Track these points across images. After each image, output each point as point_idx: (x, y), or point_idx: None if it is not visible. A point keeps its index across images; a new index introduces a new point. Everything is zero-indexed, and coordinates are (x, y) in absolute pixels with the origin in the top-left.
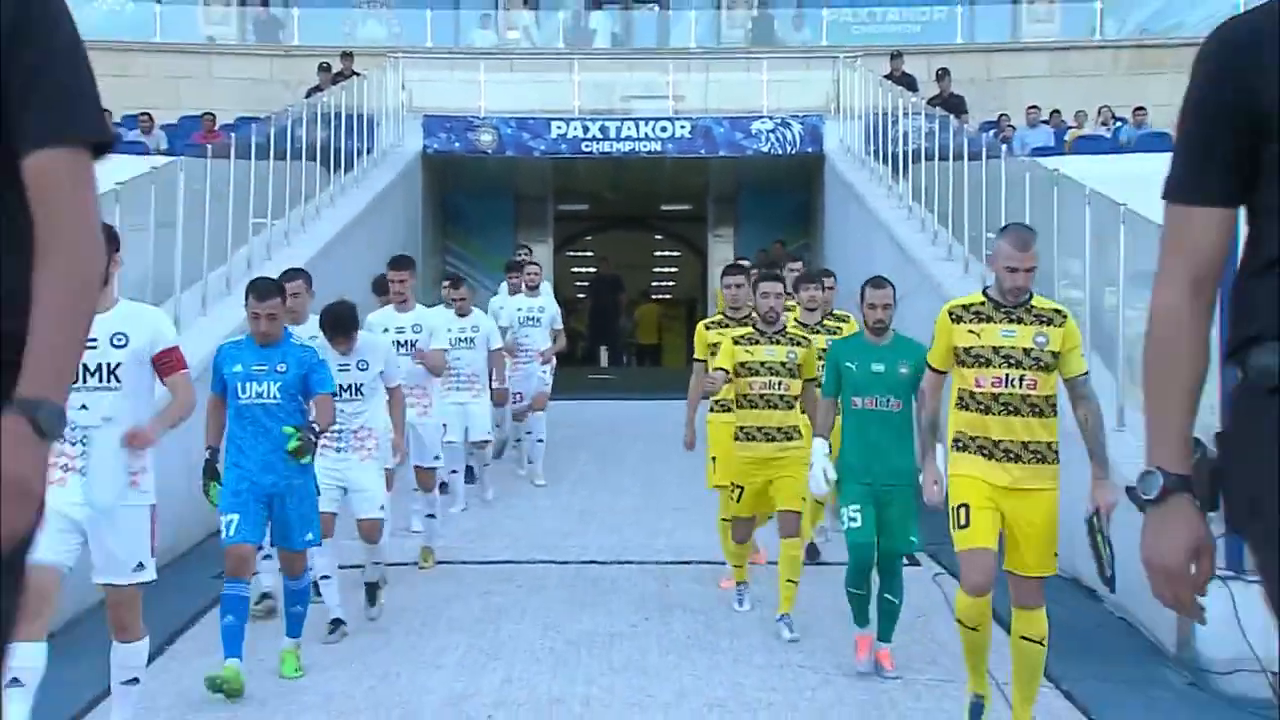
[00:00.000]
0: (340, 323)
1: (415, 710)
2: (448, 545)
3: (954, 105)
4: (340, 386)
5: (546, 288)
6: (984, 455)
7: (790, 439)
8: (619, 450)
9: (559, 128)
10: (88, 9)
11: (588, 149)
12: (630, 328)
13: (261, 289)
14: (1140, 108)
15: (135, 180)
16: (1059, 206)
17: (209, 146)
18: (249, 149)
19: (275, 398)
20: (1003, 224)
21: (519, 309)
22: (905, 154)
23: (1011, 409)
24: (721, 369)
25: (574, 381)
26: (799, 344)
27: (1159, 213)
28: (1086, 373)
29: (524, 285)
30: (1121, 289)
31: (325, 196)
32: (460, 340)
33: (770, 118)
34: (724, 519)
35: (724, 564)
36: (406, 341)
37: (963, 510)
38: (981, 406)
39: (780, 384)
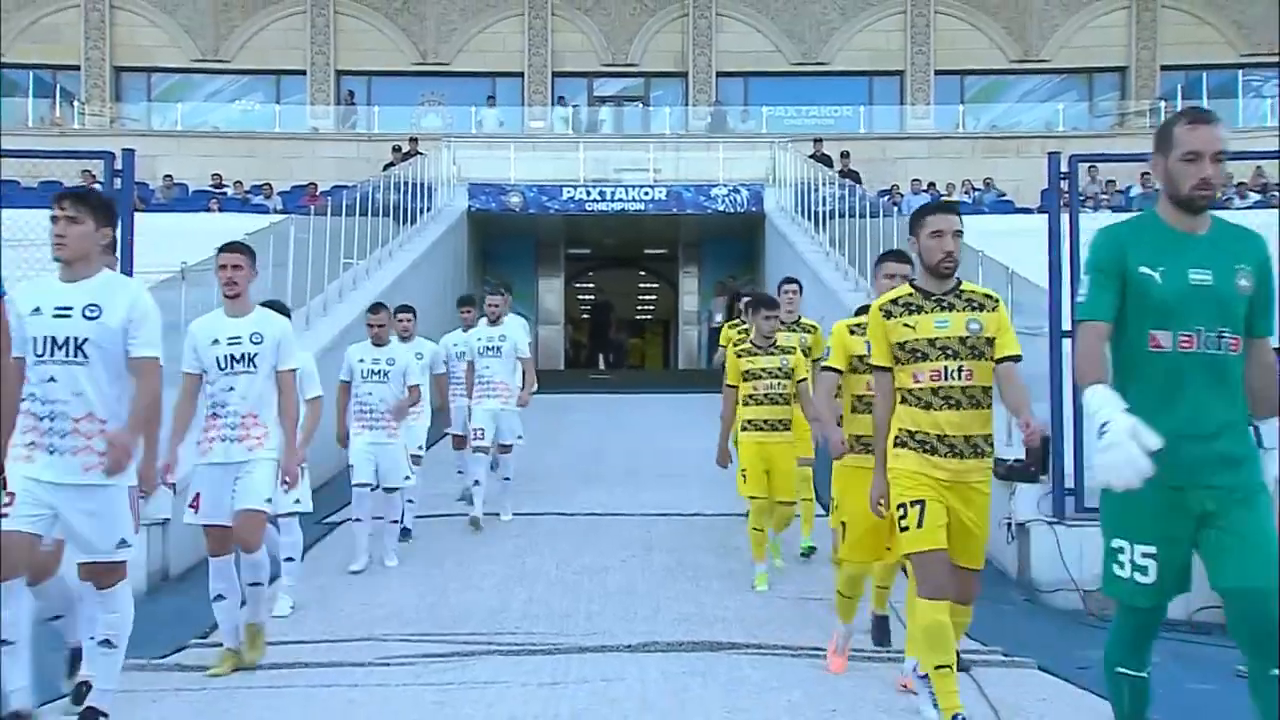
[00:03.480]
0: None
1: (462, 620)
2: (487, 498)
3: (852, 178)
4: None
5: (513, 320)
6: None
7: (981, 455)
8: (613, 431)
9: (569, 192)
10: (229, 109)
11: (590, 208)
12: (626, 347)
13: None
14: (989, 178)
15: (259, 232)
16: None
17: (312, 207)
18: (341, 208)
19: None
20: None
21: (479, 338)
22: (824, 213)
23: None
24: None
25: (578, 380)
26: (981, 308)
27: (1004, 257)
28: None
29: (486, 319)
30: None
31: (396, 243)
32: (373, 374)
33: (725, 185)
34: (845, 594)
35: (697, 515)
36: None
37: None
38: None
39: (962, 371)
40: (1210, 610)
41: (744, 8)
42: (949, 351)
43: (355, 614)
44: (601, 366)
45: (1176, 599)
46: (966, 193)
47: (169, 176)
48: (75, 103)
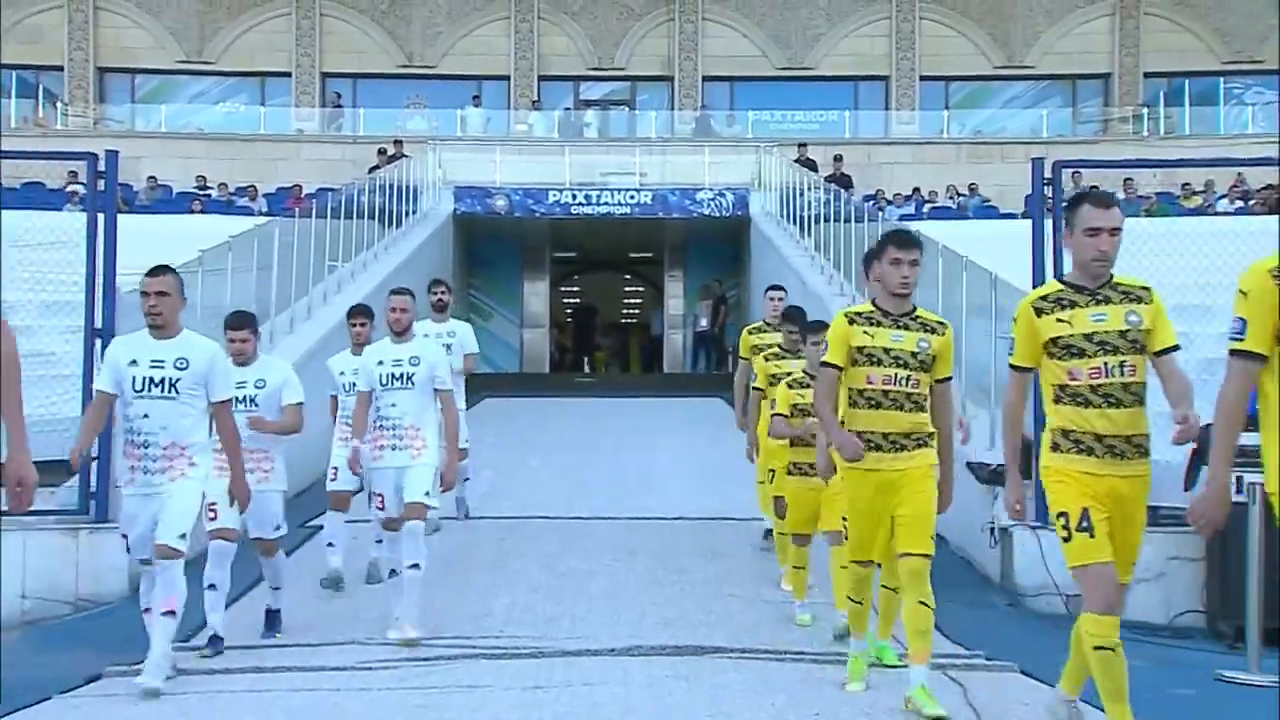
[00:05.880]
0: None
1: (447, 625)
2: (472, 503)
3: (844, 182)
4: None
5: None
6: None
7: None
8: (597, 435)
9: (554, 195)
10: (213, 111)
11: (576, 211)
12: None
13: None
14: (973, 184)
15: (243, 234)
16: None
17: (297, 210)
18: (326, 211)
19: None
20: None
21: (380, 361)
22: (808, 217)
23: None
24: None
25: (563, 383)
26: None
27: (988, 262)
28: None
29: (391, 330)
30: (964, 318)
31: (380, 246)
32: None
33: (710, 189)
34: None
35: (680, 519)
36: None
37: None
38: None
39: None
40: (1191, 615)
41: (730, 12)
42: None
43: (339, 617)
44: (587, 370)
45: (1158, 604)
46: (951, 198)
47: (153, 178)
48: (59, 104)
